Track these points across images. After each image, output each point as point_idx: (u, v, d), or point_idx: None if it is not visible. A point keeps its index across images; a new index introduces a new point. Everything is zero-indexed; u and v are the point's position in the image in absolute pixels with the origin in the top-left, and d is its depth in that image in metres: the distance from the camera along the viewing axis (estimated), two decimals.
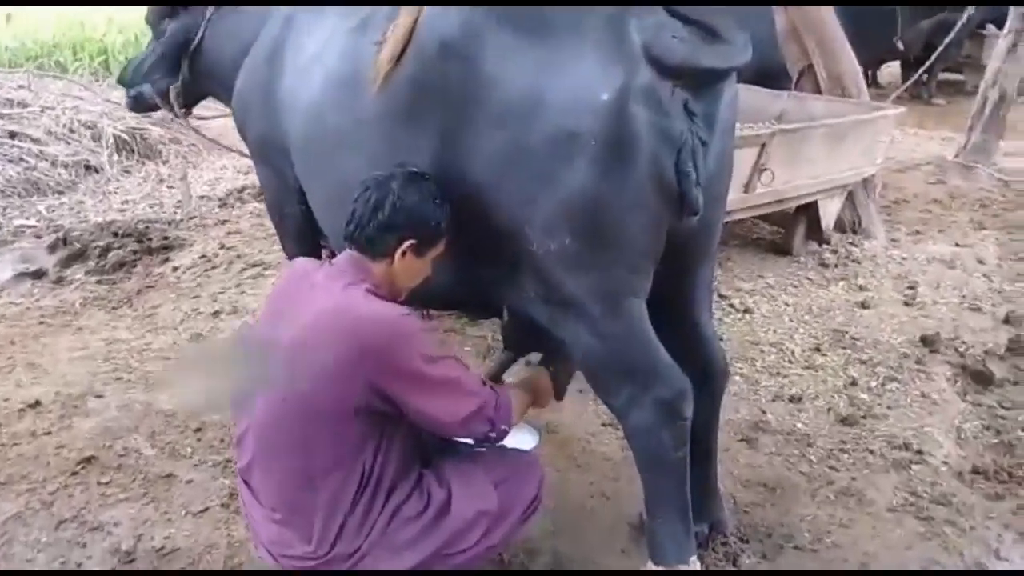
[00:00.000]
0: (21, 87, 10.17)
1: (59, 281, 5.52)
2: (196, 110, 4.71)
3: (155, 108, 4.61)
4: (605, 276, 2.37)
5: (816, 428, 3.69)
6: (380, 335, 2.21)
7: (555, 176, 2.27)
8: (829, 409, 3.84)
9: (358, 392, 2.20)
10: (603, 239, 2.32)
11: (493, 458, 2.53)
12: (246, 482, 2.42)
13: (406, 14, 2.59)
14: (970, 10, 8.27)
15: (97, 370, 4.18)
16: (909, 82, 8.20)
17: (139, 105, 4.67)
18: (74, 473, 3.36)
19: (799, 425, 3.71)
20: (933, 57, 7.83)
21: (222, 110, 7.70)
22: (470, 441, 2.47)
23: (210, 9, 4.05)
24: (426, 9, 2.53)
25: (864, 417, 3.76)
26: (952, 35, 8.01)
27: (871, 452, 3.50)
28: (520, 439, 2.82)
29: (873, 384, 4.05)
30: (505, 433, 2.38)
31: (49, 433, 3.60)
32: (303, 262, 2.55)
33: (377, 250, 2.37)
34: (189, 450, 3.52)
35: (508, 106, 2.31)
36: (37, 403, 3.81)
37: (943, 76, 12.78)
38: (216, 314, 4.86)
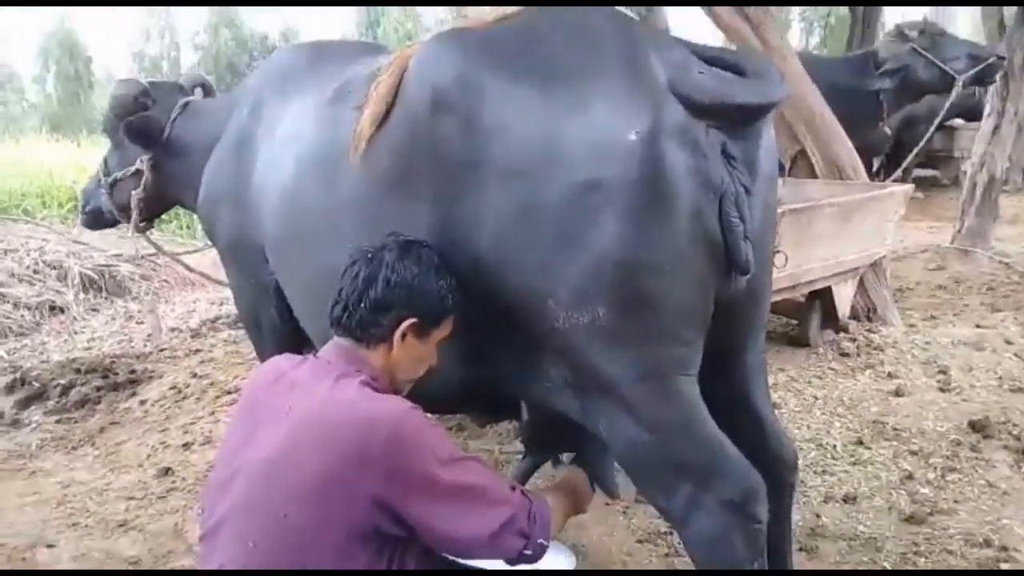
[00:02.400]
0: None
1: (14, 424, 5.04)
2: (167, 246, 4.39)
3: (112, 223, 4.26)
4: (648, 351, 1.96)
5: (881, 530, 3.22)
6: (381, 434, 1.77)
7: (579, 236, 1.90)
8: (890, 508, 3.38)
9: (360, 512, 1.76)
10: (643, 306, 1.92)
11: None
12: None
13: (390, 71, 2.27)
14: (933, 102, 8.26)
15: (50, 516, 3.64)
16: (897, 171, 8.05)
17: (96, 221, 4.35)
18: None
19: (861, 528, 3.24)
20: (921, 143, 7.71)
21: (194, 245, 7.46)
22: (499, 564, 1.98)
23: (177, 106, 3.75)
24: (413, 61, 2.20)
25: (931, 514, 3.31)
26: (935, 125, 7.95)
27: (950, 553, 3.04)
28: (552, 561, 2.34)
29: (931, 477, 3.61)
30: (543, 549, 1.92)
31: None
32: (278, 360, 2.11)
33: (372, 335, 1.97)
34: None
35: (516, 159, 1.96)
36: None
37: (916, 172, 12.84)
38: (187, 446, 4.37)
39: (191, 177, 3.48)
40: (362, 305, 1.96)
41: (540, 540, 1.90)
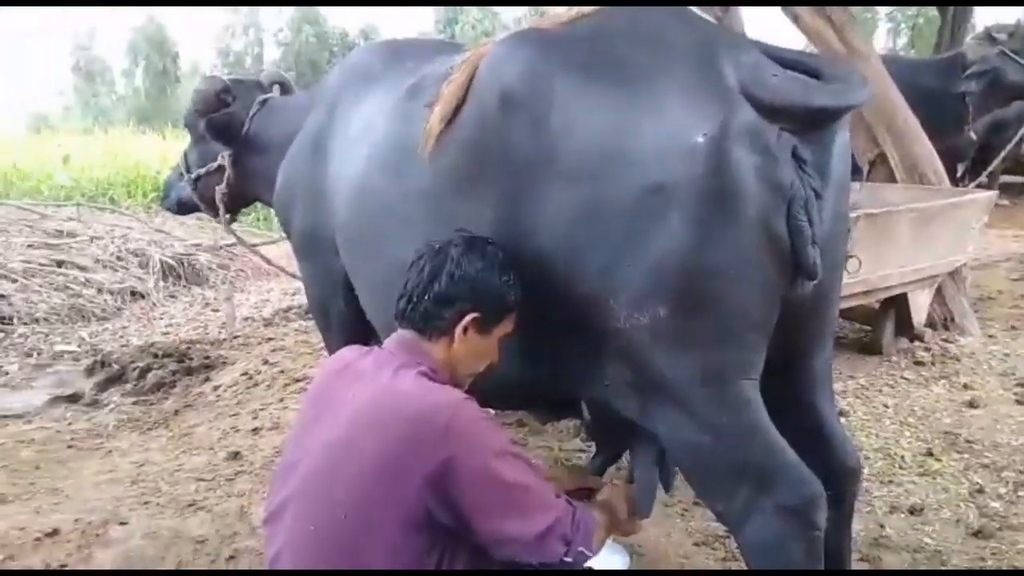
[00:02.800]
0: (71, 219, 10.26)
1: (94, 404, 5.24)
2: (244, 237, 4.51)
3: (196, 209, 4.39)
4: (709, 354, 1.94)
5: (947, 543, 3.14)
6: (438, 423, 1.80)
7: (644, 236, 1.89)
8: (958, 521, 3.29)
9: (414, 498, 1.78)
10: (705, 309, 1.91)
11: None
12: None
13: (462, 69, 2.30)
14: (1022, 107, 7.96)
15: (124, 495, 3.77)
16: (981, 176, 7.81)
17: (181, 207, 4.49)
18: None
19: (926, 540, 3.16)
20: (1008, 148, 7.45)
21: (269, 237, 7.63)
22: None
23: (256, 103, 3.85)
24: (484, 61, 2.22)
25: (1000, 529, 3.21)
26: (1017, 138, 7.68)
27: (1019, 569, 2.93)
28: (606, 561, 2.35)
29: (1003, 491, 3.51)
30: (585, 558, 1.93)
31: (65, 565, 3.17)
32: (346, 351, 2.16)
33: (434, 327, 2.00)
34: None
35: (583, 159, 1.96)
36: (55, 531, 3.37)
37: (1003, 179, 12.43)
38: (256, 431, 4.48)
39: (269, 172, 3.57)
40: (426, 298, 2.00)
41: (581, 548, 1.90)
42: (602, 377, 2.10)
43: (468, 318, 1.99)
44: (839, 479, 2.21)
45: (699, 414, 1.96)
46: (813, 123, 1.94)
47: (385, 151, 2.58)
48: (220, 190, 4.01)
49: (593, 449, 2.74)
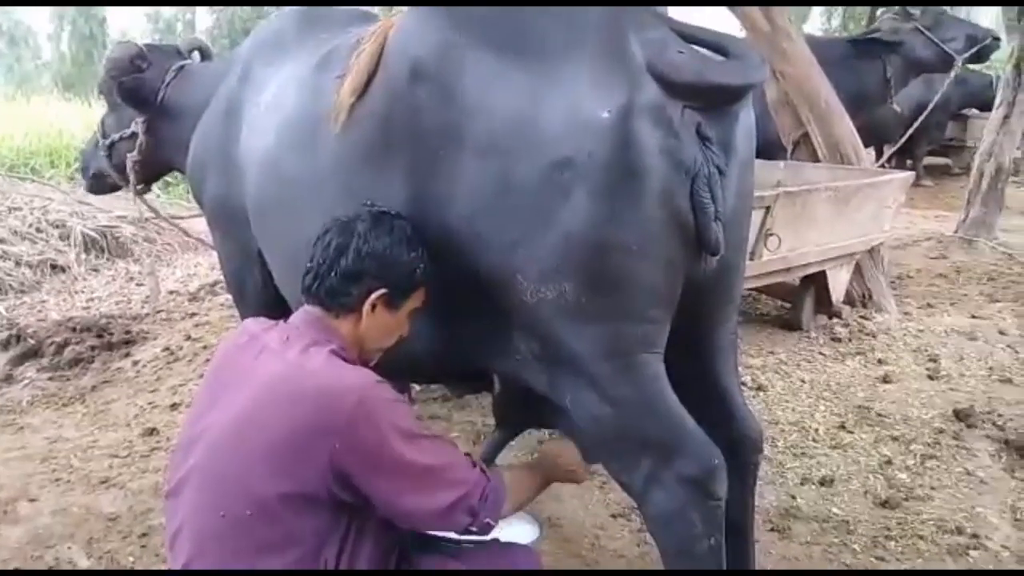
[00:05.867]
0: None
1: (7, 379, 5.09)
2: (170, 210, 4.39)
3: (115, 188, 4.28)
4: (613, 328, 1.96)
5: (855, 513, 3.24)
6: (346, 405, 1.77)
7: (550, 212, 1.90)
8: (866, 492, 3.40)
9: (317, 478, 1.77)
10: (610, 284, 1.93)
11: (484, 556, 2.07)
12: None
13: (371, 40, 2.27)
14: (944, 90, 8.19)
15: (34, 471, 3.69)
16: (891, 151, 8.05)
17: (99, 186, 4.37)
18: None
19: (835, 510, 3.26)
20: (913, 128, 7.67)
21: (198, 210, 7.44)
22: (455, 534, 2.01)
23: (171, 70, 3.75)
24: (394, 32, 2.20)
25: (906, 499, 3.32)
26: (928, 109, 7.92)
27: (921, 538, 3.05)
28: (518, 531, 2.37)
29: (910, 463, 3.62)
30: (489, 527, 1.94)
31: None
32: (250, 322, 2.12)
33: (341, 304, 1.98)
34: (131, 559, 3.02)
35: (492, 134, 1.95)
36: None
37: (928, 160, 12.79)
38: (174, 406, 4.41)
39: (183, 140, 3.47)
40: (332, 274, 1.97)
41: (487, 519, 1.91)
42: (512, 350, 2.10)
43: (376, 294, 1.97)
44: (741, 450, 2.27)
45: (603, 387, 1.98)
46: (715, 100, 1.95)
47: (294, 124, 2.53)
48: (132, 157, 3.90)
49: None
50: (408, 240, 2.00)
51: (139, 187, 4.12)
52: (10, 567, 2.95)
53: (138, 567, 2.97)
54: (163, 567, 2.92)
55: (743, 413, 2.31)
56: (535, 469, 2.25)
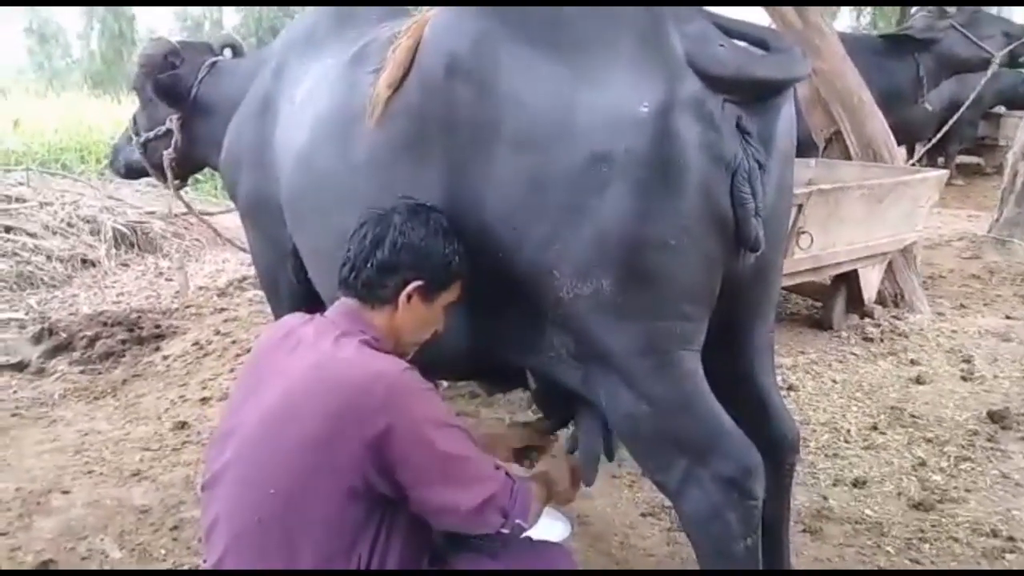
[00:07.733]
0: (20, 184, 10.02)
1: (40, 372, 5.14)
2: (201, 206, 4.41)
3: (145, 173, 4.30)
4: (651, 325, 1.94)
5: (888, 515, 3.20)
6: (377, 391, 1.77)
7: (587, 207, 1.88)
8: (899, 493, 3.36)
9: (352, 467, 1.77)
10: (647, 280, 1.91)
11: (517, 553, 2.06)
12: None
13: (408, 35, 2.26)
14: (979, 87, 8.05)
15: (67, 464, 3.72)
16: (923, 150, 7.94)
17: (130, 172, 4.41)
18: None
19: (868, 512, 3.22)
20: (947, 127, 7.53)
21: (227, 205, 7.50)
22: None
23: (204, 66, 3.77)
24: (430, 27, 2.19)
25: (940, 502, 3.28)
26: (964, 107, 7.77)
27: (956, 540, 3.01)
28: (549, 529, 2.36)
29: (944, 465, 3.58)
30: (521, 530, 1.93)
31: (5, 534, 3.12)
32: (288, 318, 2.12)
33: (377, 296, 1.98)
34: (163, 551, 3.04)
35: (529, 129, 1.94)
36: None
37: (960, 159, 12.63)
38: (205, 400, 4.43)
39: (216, 137, 3.49)
40: (368, 266, 1.97)
41: (518, 520, 1.89)
42: (546, 347, 2.09)
43: (411, 286, 1.97)
44: (778, 450, 2.24)
45: (639, 384, 1.96)
46: (757, 94, 1.93)
47: (330, 118, 2.53)
48: (168, 154, 3.92)
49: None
50: (444, 232, 2.00)
51: (175, 183, 4.15)
52: (43, 558, 2.97)
53: (169, 560, 2.99)
54: (195, 560, 2.93)
55: (781, 413, 2.29)
56: (540, 482, 2.19)
